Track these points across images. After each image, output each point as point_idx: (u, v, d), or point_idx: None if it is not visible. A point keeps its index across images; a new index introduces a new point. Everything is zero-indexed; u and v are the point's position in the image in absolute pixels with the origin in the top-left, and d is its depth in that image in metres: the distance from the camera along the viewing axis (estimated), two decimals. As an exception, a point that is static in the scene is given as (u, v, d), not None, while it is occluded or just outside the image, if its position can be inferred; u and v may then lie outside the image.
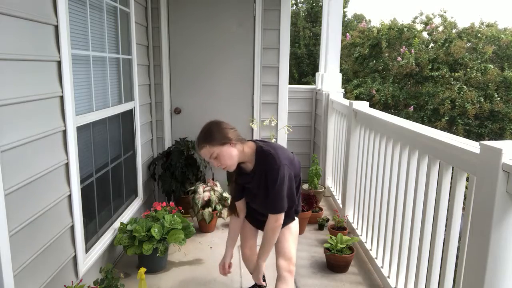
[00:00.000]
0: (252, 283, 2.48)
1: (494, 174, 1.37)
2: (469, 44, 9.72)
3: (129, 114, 3.18)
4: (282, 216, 1.92)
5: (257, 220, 2.17)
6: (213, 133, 1.85)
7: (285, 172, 1.84)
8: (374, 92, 9.43)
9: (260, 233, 2.15)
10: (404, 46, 9.55)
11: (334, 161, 4.10)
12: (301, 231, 3.28)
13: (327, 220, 3.44)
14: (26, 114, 1.71)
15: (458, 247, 1.70)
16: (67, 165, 2.05)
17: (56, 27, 1.93)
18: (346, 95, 9.03)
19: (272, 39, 3.83)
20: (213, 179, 3.52)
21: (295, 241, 2.09)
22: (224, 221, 3.50)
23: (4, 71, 1.55)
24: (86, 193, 2.34)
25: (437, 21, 10.30)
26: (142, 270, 2.28)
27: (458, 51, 9.15)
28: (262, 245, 2.00)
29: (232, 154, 1.85)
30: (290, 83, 4.06)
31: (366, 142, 2.97)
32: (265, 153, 1.88)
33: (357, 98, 9.27)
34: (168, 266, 2.75)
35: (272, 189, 1.84)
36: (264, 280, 2.37)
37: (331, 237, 2.79)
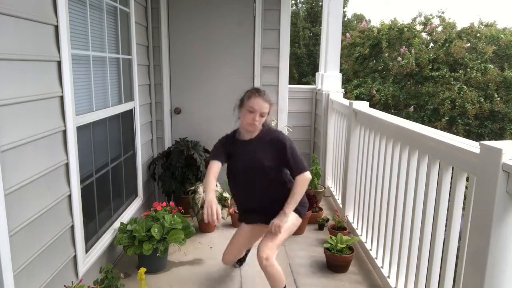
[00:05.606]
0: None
1: (494, 174, 1.37)
2: (469, 44, 9.72)
3: (129, 114, 3.18)
4: (309, 173, 2.20)
5: (255, 212, 2.32)
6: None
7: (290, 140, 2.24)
8: (374, 92, 9.42)
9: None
10: (404, 46, 9.55)
11: (334, 161, 4.10)
12: (301, 231, 3.28)
13: (327, 220, 3.44)
14: (26, 114, 1.71)
15: (458, 247, 1.70)
16: (67, 165, 2.05)
17: (56, 27, 1.93)
18: (346, 95, 9.02)
19: (272, 39, 3.83)
20: (213, 179, 3.51)
21: (290, 233, 2.32)
22: (224, 221, 3.50)
23: (4, 71, 1.55)
24: (86, 193, 2.34)
25: (436, 21, 10.31)
26: (142, 270, 2.28)
27: (458, 51, 9.15)
28: (291, 197, 2.18)
29: (264, 121, 2.27)
30: (290, 83, 4.05)
31: (366, 142, 2.97)
32: (271, 129, 2.35)
33: (357, 98, 9.27)
34: (168, 266, 2.75)
35: (291, 150, 2.20)
36: (244, 260, 2.74)
37: (331, 237, 2.79)
